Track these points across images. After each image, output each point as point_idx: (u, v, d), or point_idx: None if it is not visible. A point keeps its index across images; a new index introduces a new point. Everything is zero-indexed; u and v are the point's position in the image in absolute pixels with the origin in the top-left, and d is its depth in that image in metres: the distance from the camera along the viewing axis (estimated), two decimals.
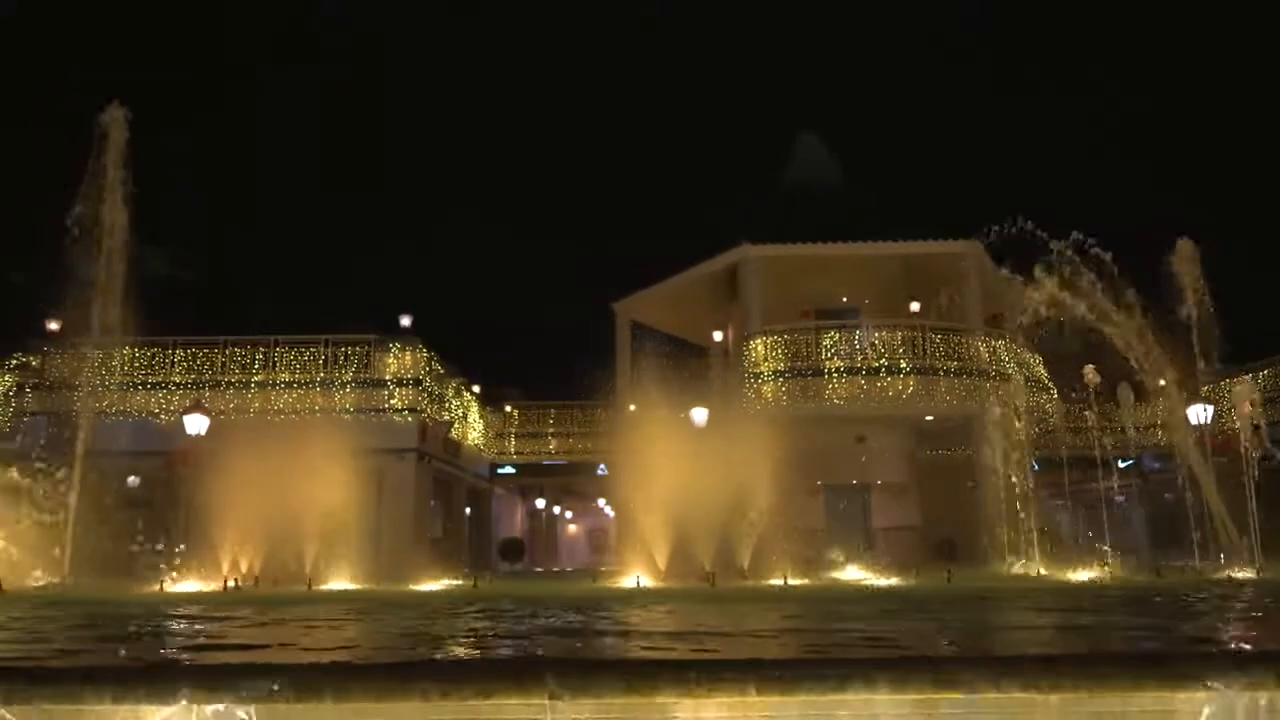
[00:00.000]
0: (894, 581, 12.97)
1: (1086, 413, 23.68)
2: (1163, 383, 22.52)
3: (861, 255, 24.66)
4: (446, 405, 26.80)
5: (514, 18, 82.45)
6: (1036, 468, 21.16)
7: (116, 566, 15.27)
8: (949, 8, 79.90)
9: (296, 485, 14.13)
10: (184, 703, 3.24)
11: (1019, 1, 77.03)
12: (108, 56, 63.54)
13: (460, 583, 14.61)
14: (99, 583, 13.98)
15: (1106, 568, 14.54)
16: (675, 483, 13.94)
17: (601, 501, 41.78)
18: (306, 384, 23.94)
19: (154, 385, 23.69)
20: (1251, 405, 18.96)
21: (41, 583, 14.45)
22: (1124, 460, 29.34)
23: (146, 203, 17.82)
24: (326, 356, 24.31)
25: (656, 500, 14.18)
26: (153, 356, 23.87)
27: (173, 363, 24.03)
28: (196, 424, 19.15)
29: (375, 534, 14.73)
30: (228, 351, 24.36)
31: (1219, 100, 73.01)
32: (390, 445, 22.21)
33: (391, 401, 24.00)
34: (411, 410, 24.00)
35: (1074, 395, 24.35)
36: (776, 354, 23.19)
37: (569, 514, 45.01)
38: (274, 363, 24.29)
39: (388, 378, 24.28)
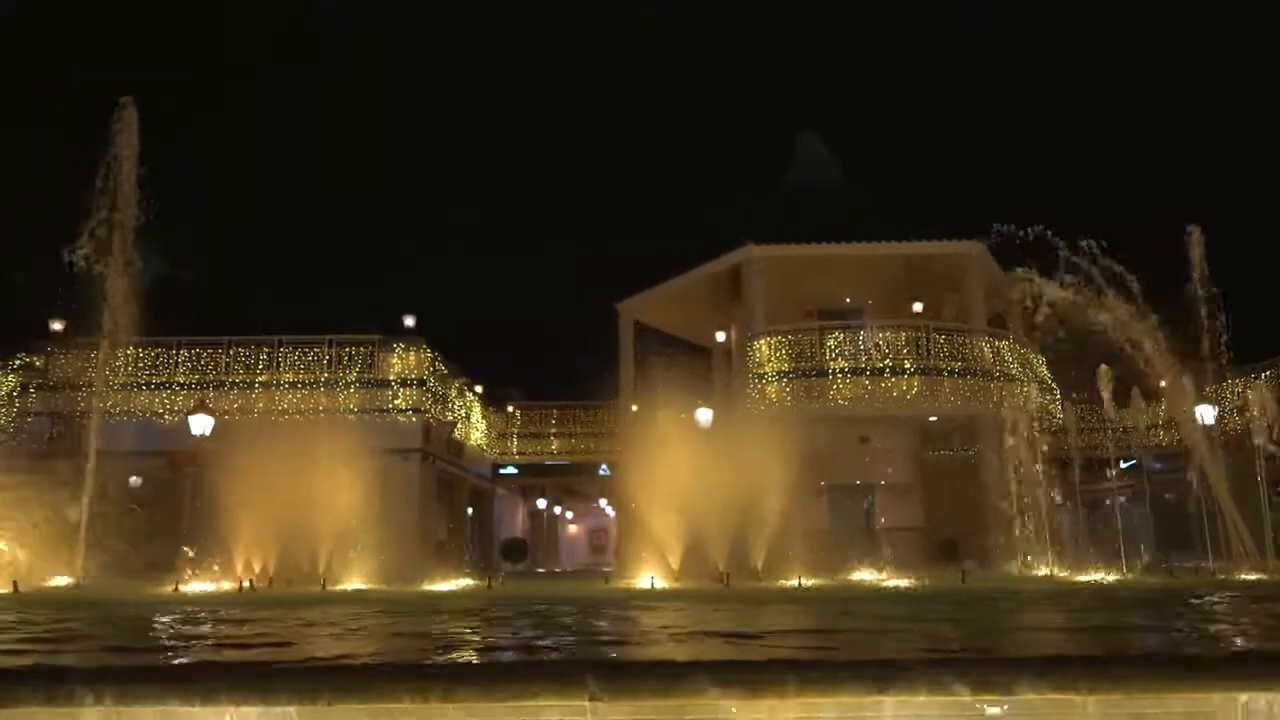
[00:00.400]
0: (907, 582, 12.98)
1: (1091, 413, 23.77)
2: (1164, 383, 22.60)
3: (865, 255, 24.68)
4: (450, 405, 26.82)
5: (514, 18, 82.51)
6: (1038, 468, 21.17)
7: (129, 567, 15.26)
8: (949, 8, 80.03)
9: (307, 486, 14.14)
10: (227, 704, 3.27)
11: (1019, 1, 77.17)
12: (108, 56, 63.54)
13: (472, 583, 14.62)
14: (113, 583, 13.98)
15: (1118, 569, 14.54)
16: (686, 483, 13.94)
17: (603, 502, 41.81)
18: (311, 384, 23.93)
19: (158, 385, 23.69)
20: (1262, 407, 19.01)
21: (57, 583, 14.47)
22: (1126, 461, 29.42)
23: (147, 203, 17.79)
24: (330, 357, 24.31)
25: (667, 501, 14.18)
26: (157, 357, 23.86)
27: (177, 363, 24.03)
28: (201, 424, 19.16)
29: (386, 535, 14.72)
30: (231, 352, 24.36)
31: (1219, 100, 73.16)
32: (394, 445, 22.21)
33: (395, 402, 24.00)
34: (416, 410, 24.00)
35: (1075, 395, 24.41)
36: (781, 354, 23.21)
37: (569, 514, 45.04)
38: (278, 363, 24.29)
39: (392, 378, 24.27)
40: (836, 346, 22.93)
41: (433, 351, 25.14)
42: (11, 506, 14.15)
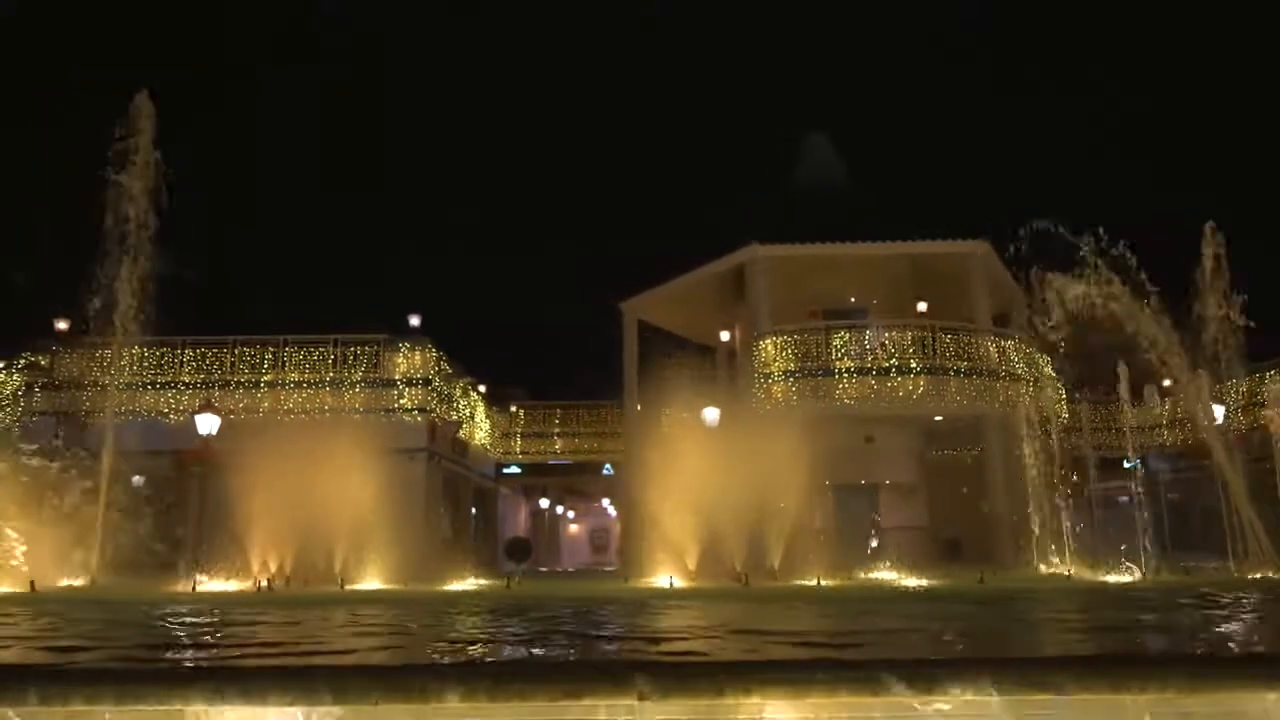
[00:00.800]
0: (926, 582, 12.97)
1: (1096, 412, 23.74)
2: (1167, 382, 22.60)
3: (869, 255, 24.69)
4: (455, 405, 26.81)
5: (514, 18, 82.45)
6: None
7: (142, 565, 15.24)
8: (949, 8, 80.00)
9: (318, 485, 14.12)
10: (275, 704, 3.26)
11: (1019, 1, 77.17)
12: (108, 56, 63.45)
13: (489, 583, 14.61)
14: (128, 583, 13.97)
15: (1133, 569, 14.50)
16: (700, 483, 13.94)
17: (605, 501, 41.82)
18: (316, 384, 23.93)
19: (163, 385, 23.67)
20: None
21: (73, 582, 14.45)
22: (1129, 461, 29.41)
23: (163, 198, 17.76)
24: (336, 356, 24.29)
25: (682, 500, 14.17)
26: (161, 356, 23.84)
27: (181, 362, 24.01)
28: (208, 423, 19.15)
29: (397, 534, 14.72)
30: (237, 351, 24.34)
31: (1219, 100, 73.21)
32: (400, 445, 22.19)
33: (401, 401, 23.98)
34: (421, 410, 23.99)
35: (1077, 396, 24.41)
36: (787, 354, 23.23)
37: (570, 514, 45.04)
38: (283, 362, 24.27)
39: (397, 377, 24.26)
40: (842, 346, 22.95)
41: (438, 351, 25.13)
42: (25, 505, 14.13)
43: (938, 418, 24.07)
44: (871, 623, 6.64)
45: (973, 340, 23.23)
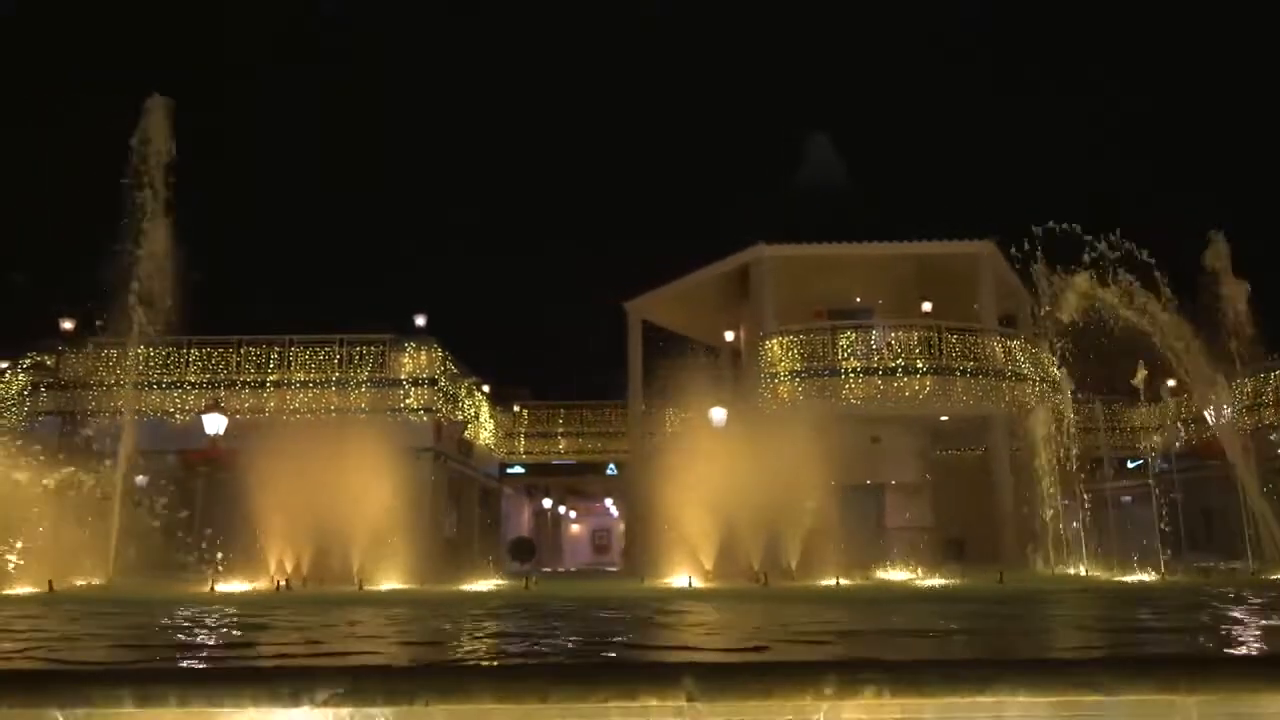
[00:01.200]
0: (944, 582, 12.97)
1: (1100, 412, 23.73)
2: (1170, 382, 22.61)
3: (875, 255, 24.70)
4: (460, 405, 26.80)
5: (514, 17, 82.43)
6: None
7: (157, 566, 15.21)
8: (949, 8, 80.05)
9: (330, 485, 14.11)
10: (322, 705, 3.26)
11: (1019, 1, 77.20)
12: (107, 56, 63.49)
13: (506, 583, 14.59)
14: (145, 583, 13.93)
15: (1149, 569, 14.49)
16: (713, 483, 13.94)
17: (607, 501, 41.81)
18: (322, 383, 23.91)
19: (169, 385, 23.65)
20: None
21: (92, 582, 14.42)
22: (1133, 461, 29.45)
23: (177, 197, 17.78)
24: (341, 356, 24.29)
25: (696, 500, 14.16)
26: (167, 356, 23.81)
27: (187, 362, 23.99)
28: (215, 423, 19.14)
29: (410, 534, 14.71)
30: (242, 351, 24.33)
31: (1219, 100, 73.27)
32: (406, 445, 22.18)
33: (407, 401, 23.97)
34: (427, 410, 23.98)
35: (1079, 396, 24.42)
36: (793, 354, 23.24)
37: (572, 514, 45.05)
38: (289, 362, 24.26)
39: (403, 377, 24.25)
40: (848, 346, 22.96)
41: (443, 351, 25.13)
42: (41, 505, 14.11)
43: (944, 418, 24.09)
44: (919, 622, 6.59)
45: (979, 340, 23.25)
